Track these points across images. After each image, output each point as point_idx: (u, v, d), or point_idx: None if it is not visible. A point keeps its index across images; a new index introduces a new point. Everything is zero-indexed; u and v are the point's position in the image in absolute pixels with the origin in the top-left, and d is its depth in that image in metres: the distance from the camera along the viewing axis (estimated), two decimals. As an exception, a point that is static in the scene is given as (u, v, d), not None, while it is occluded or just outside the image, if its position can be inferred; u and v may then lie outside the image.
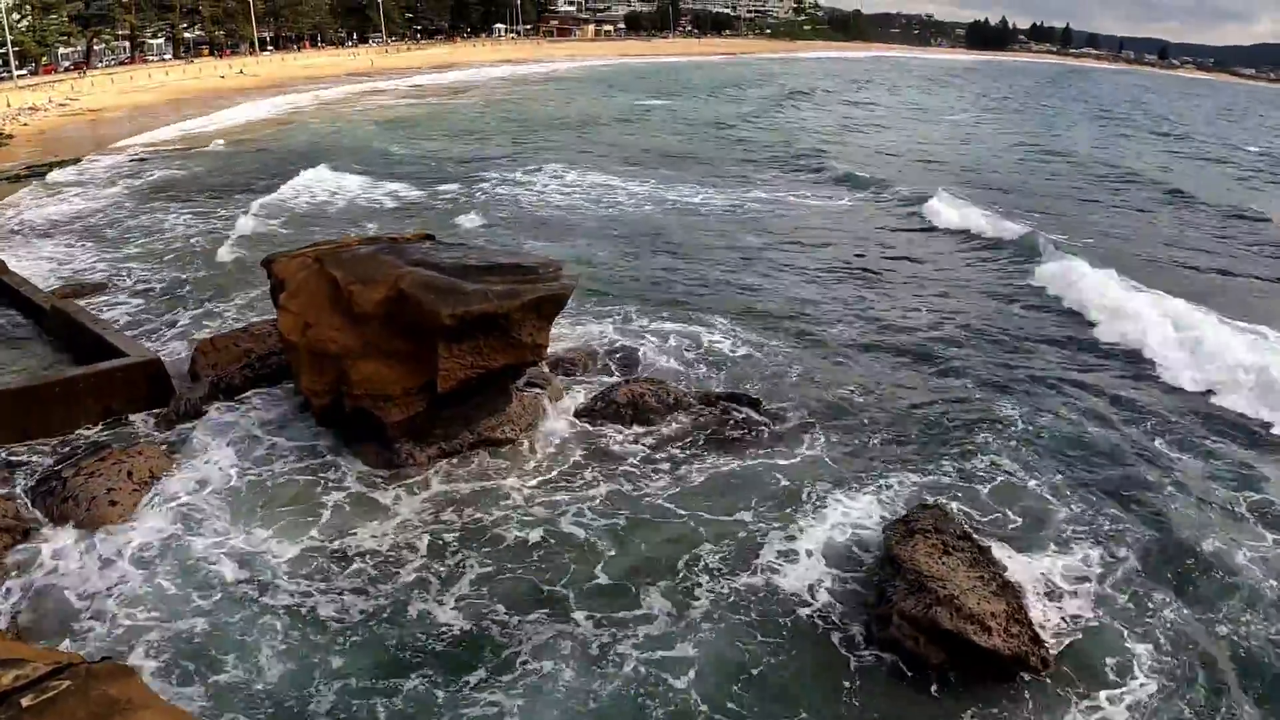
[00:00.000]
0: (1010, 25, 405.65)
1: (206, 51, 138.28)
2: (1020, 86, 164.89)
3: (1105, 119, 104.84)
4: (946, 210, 37.15)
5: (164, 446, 15.40)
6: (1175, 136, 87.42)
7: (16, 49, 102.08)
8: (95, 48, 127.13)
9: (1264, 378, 19.21)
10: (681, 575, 12.58)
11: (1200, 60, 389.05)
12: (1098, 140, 77.37)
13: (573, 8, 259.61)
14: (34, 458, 15.25)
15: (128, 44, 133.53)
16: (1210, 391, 19.65)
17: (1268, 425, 18.06)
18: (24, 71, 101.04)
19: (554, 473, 15.25)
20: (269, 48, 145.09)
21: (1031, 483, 15.19)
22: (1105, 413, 18.30)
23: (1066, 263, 28.04)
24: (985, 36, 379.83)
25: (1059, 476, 15.45)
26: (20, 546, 12.78)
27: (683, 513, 14.09)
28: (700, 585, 12.34)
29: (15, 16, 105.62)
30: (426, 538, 13.33)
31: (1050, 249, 30.29)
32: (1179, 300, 23.93)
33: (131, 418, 16.70)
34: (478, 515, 13.91)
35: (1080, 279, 26.31)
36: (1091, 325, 23.62)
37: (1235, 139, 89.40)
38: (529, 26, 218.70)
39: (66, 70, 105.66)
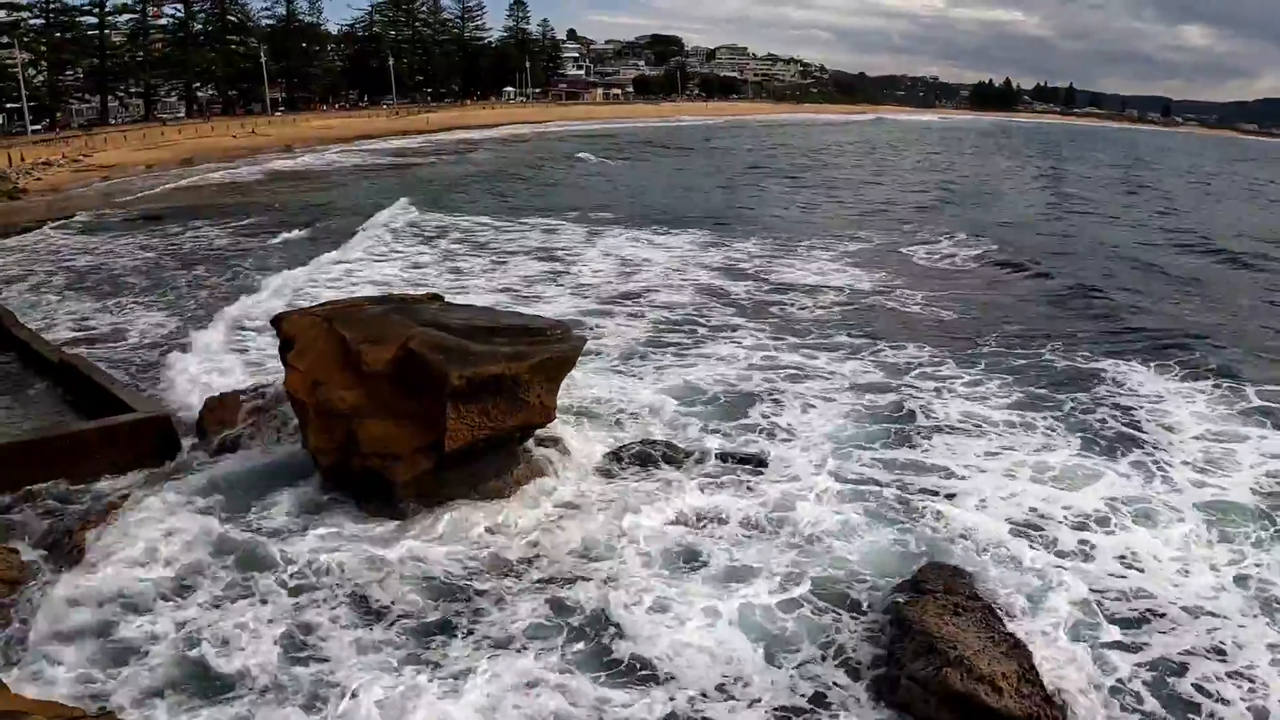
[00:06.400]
0: (1015, 86, 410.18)
1: (219, 110, 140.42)
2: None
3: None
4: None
5: (169, 501, 15.29)
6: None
7: (32, 104, 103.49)
8: (110, 104, 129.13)
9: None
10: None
11: (1203, 117, 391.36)
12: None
13: (581, 72, 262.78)
14: (39, 511, 15.19)
15: (142, 101, 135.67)
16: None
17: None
18: (38, 127, 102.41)
19: (552, 537, 14.95)
20: (280, 108, 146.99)
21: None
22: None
23: None
24: (990, 98, 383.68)
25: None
26: (24, 599, 12.65)
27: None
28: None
29: (31, 71, 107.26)
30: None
31: None
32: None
33: (138, 473, 16.64)
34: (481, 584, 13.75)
35: None
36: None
37: None
38: (538, 90, 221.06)
39: (81, 127, 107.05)
